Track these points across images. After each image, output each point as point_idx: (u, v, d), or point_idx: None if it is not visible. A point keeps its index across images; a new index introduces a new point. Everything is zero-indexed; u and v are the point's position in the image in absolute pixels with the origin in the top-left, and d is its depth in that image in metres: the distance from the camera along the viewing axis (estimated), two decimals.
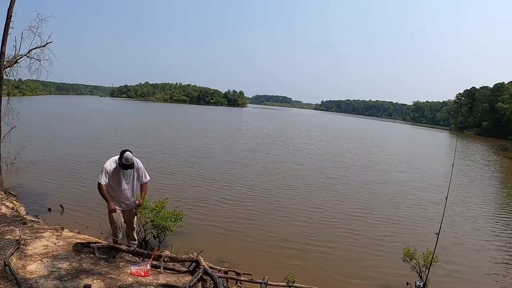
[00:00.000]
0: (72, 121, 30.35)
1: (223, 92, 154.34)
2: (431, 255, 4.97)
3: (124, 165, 4.66)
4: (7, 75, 8.18)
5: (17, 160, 10.56)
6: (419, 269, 5.54)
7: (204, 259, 4.41)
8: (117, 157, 4.73)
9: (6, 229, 4.91)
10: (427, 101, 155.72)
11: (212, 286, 4.03)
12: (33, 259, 3.93)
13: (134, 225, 5.18)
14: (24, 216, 6.31)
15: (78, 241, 4.90)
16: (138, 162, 4.92)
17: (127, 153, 4.63)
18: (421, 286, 5.28)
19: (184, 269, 4.50)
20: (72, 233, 5.62)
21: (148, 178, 5.09)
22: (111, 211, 4.72)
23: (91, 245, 4.42)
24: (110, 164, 4.73)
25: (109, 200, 4.72)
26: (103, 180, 4.66)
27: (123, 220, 4.93)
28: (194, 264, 4.44)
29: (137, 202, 5.02)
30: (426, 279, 5.17)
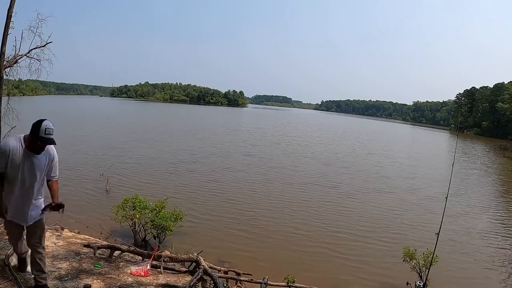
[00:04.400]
0: (72, 121, 30.35)
1: (223, 92, 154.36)
2: (431, 255, 4.97)
3: (44, 140, 2.82)
4: (7, 75, 8.16)
5: None
6: (419, 269, 5.55)
7: (204, 259, 4.42)
8: (21, 135, 2.94)
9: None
10: (427, 101, 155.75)
11: (212, 286, 4.03)
12: None
13: (42, 249, 3.19)
14: None
15: (78, 241, 4.90)
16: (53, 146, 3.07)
17: (47, 121, 2.84)
18: (421, 286, 5.29)
19: (184, 269, 4.51)
20: (72, 233, 5.63)
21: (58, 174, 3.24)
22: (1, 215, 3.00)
23: (91, 245, 4.42)
24: (12, 142, 2.88)
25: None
26: None
27: (25, 242, 3.24)
28: (194, 264, 4.44)
29: (54, 203, 3.06)
30: (426, 279, 5.17)
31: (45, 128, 2.81)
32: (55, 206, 3.05)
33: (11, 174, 2.88)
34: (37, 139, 2.81)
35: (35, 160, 2.93)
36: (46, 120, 2.85)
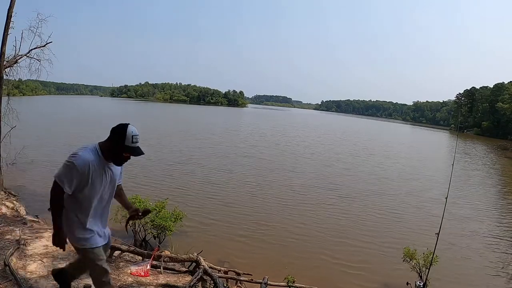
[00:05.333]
0: (71, 121, 30.34)
1: (223, 92, 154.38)
2: (431, 255, 4.97)
3: (132, 150, 2.33)
4: (7, 75, 8.18)
5: (17, 160, 10.56)
6: (419, 269, 5.55)
7: (204, 259, 4.42)
8: (94, 144, 2.37)
9: (6, 229, 4.91)
10: (427, 101, 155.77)
11: (212, 286, 4.03)
12: (33, 259, 3.93)
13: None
14: (24, 216, 6.31)
15: None
16: None
17: (131, 126, 2.34)
18: (421, 286, 5.29)
19: (184, 269, 4.50)
20: None
21: None
22: (59, 246, 2.36)
23: None
24: (90, 156, 2.29)
25: (59, 228, 2.32)
26: (67, 187, 2.23)
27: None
28: (194, 264, 4.44)
29: (138, 209, 2.72)
30: (426, 279, 5.17)
31: (132, 136, 2.28)
32: (142, 214, 2.64)
33: (89, 193, 2.31)
34: (123, 149, 2.28)
35: (114, 170, 2.44)
36: (129, 125, 2.33)
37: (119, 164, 2.42)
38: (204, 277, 4.08)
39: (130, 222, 2.72)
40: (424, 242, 7.09)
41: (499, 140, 57.17)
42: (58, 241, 2.30)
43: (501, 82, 75.10)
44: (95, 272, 2.51)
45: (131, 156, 2.38)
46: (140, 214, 2.64)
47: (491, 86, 78.25)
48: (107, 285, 2.51)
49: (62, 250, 2.35)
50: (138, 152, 2.34)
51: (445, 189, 4.57)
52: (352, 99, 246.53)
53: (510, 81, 72.77)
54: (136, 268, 4.06)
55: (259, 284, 4.47)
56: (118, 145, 2.29)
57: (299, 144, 26.48)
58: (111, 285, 2.57)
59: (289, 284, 4.63)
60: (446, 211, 4.73)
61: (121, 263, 4.30)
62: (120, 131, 2.29)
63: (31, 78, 9.27)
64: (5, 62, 7.77)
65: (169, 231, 6.21)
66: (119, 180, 2.59)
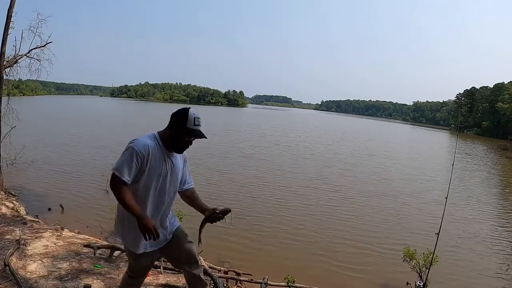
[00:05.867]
0: (71, 121, 30.35)
1: (223, 92, 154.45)
2: (431, 255, 4.97)
3: (194, 133, 2.14)
4: (7, 75, 8.19)
5: (17, 160, 10.56)
6: (419, 269, 5.55)
7: (204, 259, 4.42)
8: (154, 132, 2.19)
9: (6, 229, 4.91)
10: (427, 101, 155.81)
11: (212, 286, 4.03)
12: (33, 259, 3.93)
13: (199, 262, 2.52)
14: (24, 216, 6.32)
15: (78, 241, 4.91)
16: None
17: (192, 110, 2.19)
18: (421, 286, 5.29)
19: None
20: (72, 233, 5.62)
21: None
22: (150, 232, 2.00)
23: (91, 245, 4.42)
24: (150, 141, 2.12)
25: (142, 213, 2.05)
26: (126, 175, 2.04)
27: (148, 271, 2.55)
28: None
29: (215, 208, 2.33)
30: (426, 279, 5.17)
31: (194, 118, 2.13)
32: (221, 213, 2.27)
33: (145, 181, 2.12)
34: (185, 132, 2.12)
35: (175, 161, 2.25)
36: (191, 109, 2.19)
37: (181, 150, 2.23)
38: (204, 277, 4.08)
39: (205, 225, 2.34)
40: (425, 242, 7.09)
41: (499, 140, 57.16)
42: (145, 227, 1.99)
43: (501, 82, 75.13)
44: (124, 277, 2.44)
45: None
46: (218, 213, 2.26)
47: (491, 86, 78.26)
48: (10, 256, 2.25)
49: (157, 237, 2.03)
50: (200, 134, 2.15)
51: (446, 189, 4.56)
52: (352, 99, 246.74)
53: (510, 81, 72.80)
54: None
55: (259, 284, 4.48)
56: (180, 129, 2.12)
57: (299, 144, 26.48)
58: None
59: (289, 284, 4.63)
60: (447, 212, 4.73)
61: (121, 263, 4.30)
62: (181, 114, 2.14)
63: (31, 78, 9.29)
64: (5, 62, 7.78)
65: None
66: (189, 183, 2.41)
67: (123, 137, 21.89)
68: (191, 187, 2.44)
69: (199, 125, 2.15)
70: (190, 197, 2.41)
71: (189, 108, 2.19)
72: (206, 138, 2.20)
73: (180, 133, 2.13)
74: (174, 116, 2.16)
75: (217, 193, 10.56)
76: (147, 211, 2.17)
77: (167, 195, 2.25)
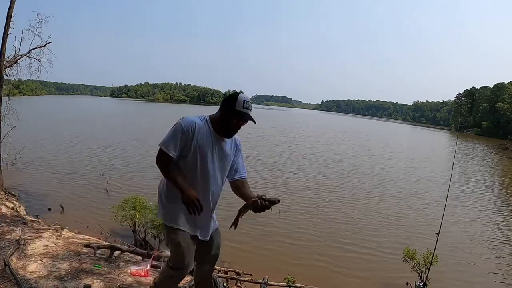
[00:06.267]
0: (71, 121, 30.35)
1: (223, 92, 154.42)
2: (431, 255, 4.97)
3: (242, 115, 2.08)
4: (7, 75, 8.20)
5: (17, 160, 10.57)
6: (419, 269, 5.55)
7: None
8: (205, 115, 2.21)
9: (6, 229, 4.91)
10: (427, 101, 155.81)
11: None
12: (33, 259, 3.93)
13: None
14: (24, 216, 6.32)
15: (78, 241, 4.91)
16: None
17: (242, 94, 2.13)
18: (421, 286, 5.29)
19: None
20: (72, 233, 5.62)
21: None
22: (194, 204, 1.96)
23: (91, 245, 4.42)
24: (198, 120, 2.11)
25: (186, 184, 2.00)
26: (172, 150, 2.02)
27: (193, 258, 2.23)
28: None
29: (263, 195, 2.10)
30: (426, 279, 5.17)
31: (243, 101, 2.06)
32: (269, 202, 2.01)
33: (191, 160, 2.06)
34: (234, 115, 2.07)
35: (224, 147, 2.19)
36: (242, 93, 2.13)
37: (230, 134, 2.16)
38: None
39: (246, 212, 2.14)
40: (425, 242, 7.09)
41: (499, 140, 57.14)
42: (188, 198, 1.93)
43: (501, 82, 75.15)
44: (170, 259, 2.20)
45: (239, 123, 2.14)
46: (265, 200, 2.02)
47: (491, 86, 78.28)
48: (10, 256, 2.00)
49: (201, 210, 1.97)
50: (248, 117, 2.08)
51: (445, 187, 4.56)
52: (352, 99, 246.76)
53: (510, 81, 72.83)
54: (136, 268, 4.06)
55: (259, 284, 4.47)
56: (228, 111, 2.08)
57: (299, 144, 26.48)
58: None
59: (289, 284, 4.62)
60: (448, 213, 4.73)
61: (121, 263, 4.30)
62: (231, 97, 2.12)
63: (31, 78, 9.31)
64: (5, 62, 7.78)
65: None
66: (240, 174, 2.27)
67: (123, 137, 21.91)
68: (242, 177, 2.29)
69: (248, 108, 2.09)
70: (239, 186, 2.27)
71: (241, 91, 2.16)
72: (255, 122, 2.13)
73: (229, 115, 2.09)
74: (225, 99, 2.15)
75: None
76: (201, 193, 2.10)
77: (214, 180, 2.15)
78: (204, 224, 2.20)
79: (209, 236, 2.25)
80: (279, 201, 2.02)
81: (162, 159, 2.04)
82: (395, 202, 11.49)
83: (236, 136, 2.24)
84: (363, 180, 14.53)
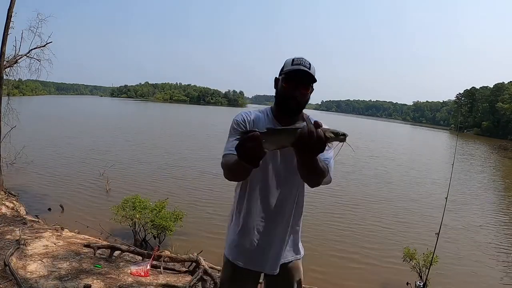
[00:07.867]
0: (71, 122, 30.36)
1: (223, 92, 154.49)
2: (431, 255, 4.97)
3: (295, 73, 1.55)
4: (7, 75, 8.20)
5: (17, 160, 10.56)
6: (419, 269, 5.55)
7: (204, 259, 4.42)
8: (265, 107, 1.78)
9: (6, 229, 4.92)
10: (427, 101, 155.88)
11: (212, 286, 4.03)
12: (33, 259, 3.93)
13: None
14: (24, 216, 6.32)
15: (78, 241, 4.91)
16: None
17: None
18: (421, 286, 5.28)
19: (184, 269, 4.51)
20: (72, 233, 5.63)
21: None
22: (248, 149, 1.22)
23: (91, 245, 4.42)
24: (255, 113, 1.73)
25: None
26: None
27: None
28: (194, 264, 4.44)
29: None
30: (426, 279, 5.17)
31: (292, 59, 1.58)
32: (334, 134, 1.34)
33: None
34: (283, 79, 1.59)
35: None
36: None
37: (289, 107, 1.62)
38: (204, 277, 4.09)
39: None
40: (425, 243, 7.08)
41: (499, 140, 57.13)
42: (246, 141, 1.23)
43: (501, 82, 75.17)
44: None
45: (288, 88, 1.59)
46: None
47: (491, 86, 78.30)
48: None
49: (259, 158, 1.24)
50: (301, 72, 1.54)
51: (452, 194, 4.56)
52: (352, 99, 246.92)
53: (510, 81, 72.84)
54: (136, 268, 4.06)
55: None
56: (279, 81, 1.63)
57: None
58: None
59: None
60: (448, 213, 4.72)
61: (121, 263, 4.30)
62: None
63: (31, 78, 9.32)
64: (5, 62, 7.79)
65: (169, 231, 6.20)
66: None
67: (123, 137, 21.90)
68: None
69: (299, 64, 1.55)
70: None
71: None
72: (315, 80, 1.59)
73: (280, 86, 1.62)
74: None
75: (217, 193, 10.55)
76: (247, 204, 1.68)
77: (280, 193, 1.68)
78: (269, 256, 1.68)
79: (277, 269, 1.70)
80: (344, 136, 1.35)
81: (223, 163, 1.64)
82: (396, 202, 11.48)
83: (307, 113, 1.69)
84: (364, 182, 14.51)
